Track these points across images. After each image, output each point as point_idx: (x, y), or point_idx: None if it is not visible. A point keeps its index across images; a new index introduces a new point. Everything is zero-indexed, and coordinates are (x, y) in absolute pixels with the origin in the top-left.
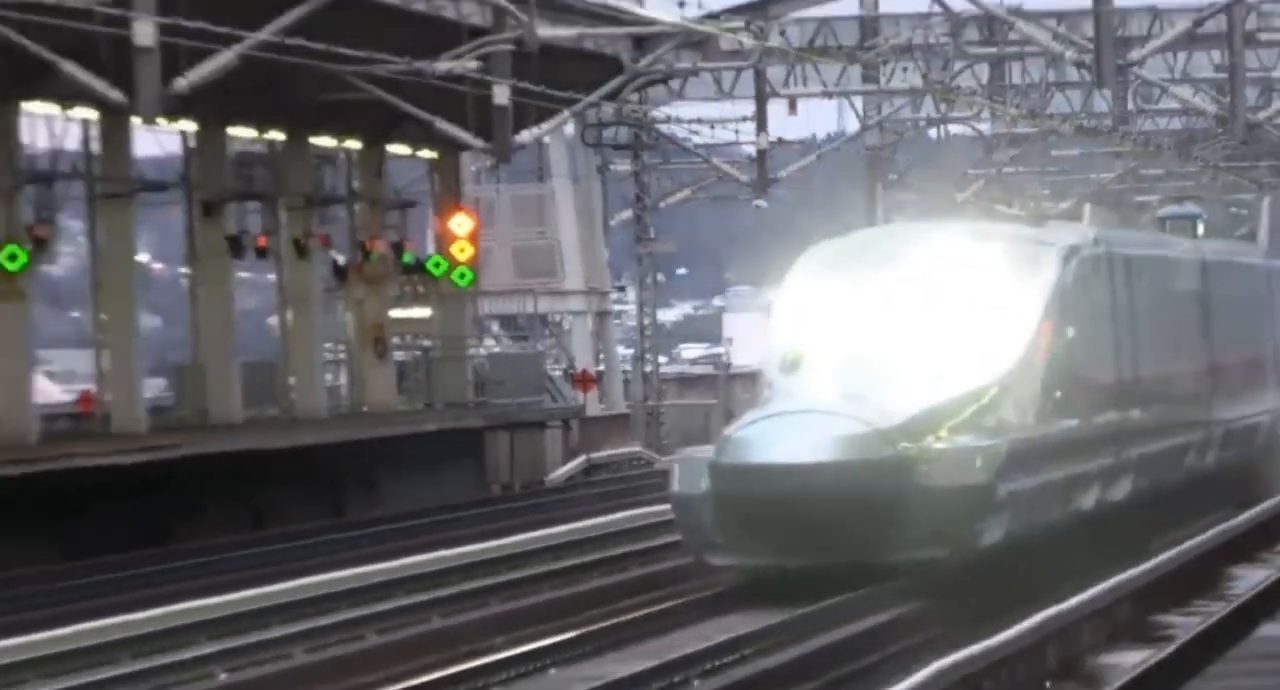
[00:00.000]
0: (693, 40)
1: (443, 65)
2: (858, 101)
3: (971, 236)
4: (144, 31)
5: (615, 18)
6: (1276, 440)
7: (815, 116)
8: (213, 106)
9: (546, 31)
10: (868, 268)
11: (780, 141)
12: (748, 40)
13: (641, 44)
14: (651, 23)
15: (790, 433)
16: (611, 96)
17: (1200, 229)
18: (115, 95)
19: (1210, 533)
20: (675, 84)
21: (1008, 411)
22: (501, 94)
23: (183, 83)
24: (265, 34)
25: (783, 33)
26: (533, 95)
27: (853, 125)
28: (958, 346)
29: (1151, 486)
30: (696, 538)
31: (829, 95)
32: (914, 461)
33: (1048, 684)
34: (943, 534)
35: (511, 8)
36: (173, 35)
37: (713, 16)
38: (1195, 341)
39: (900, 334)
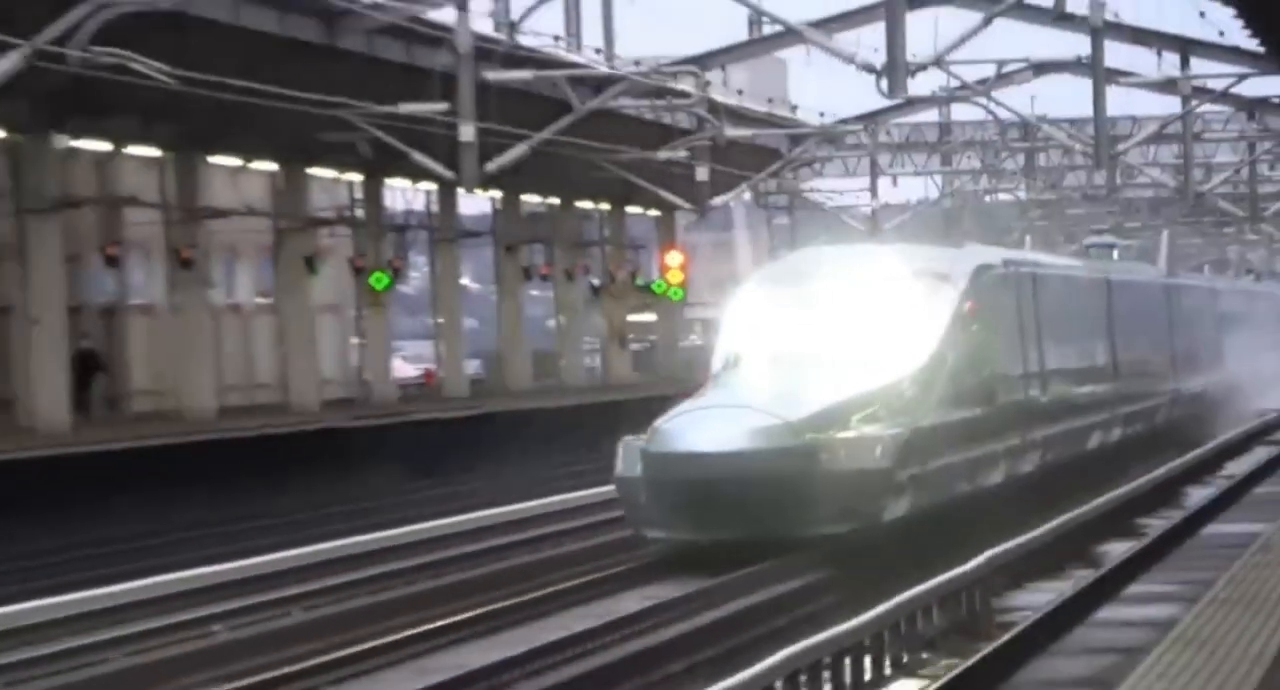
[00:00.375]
0: (829, 137)
1: (663, 154)
2: (938, 178)
3: (894, 257)
4: (467, 131)
5: (777, 123)
6: (1174, 418)
7: (910, 187)
8: (511, 181)
9: (731, 132)
10: (803, 282)
11: (886, 205)
12: (865, 138)
13: (795, 140)
14: (802, 125)
15: (707, 425)
16: (774, 174)
17: (1116, 255)
18: (448, 174)
19: (1171, 464)
20: (817, 165)
21: (912, 404)
22: (702, 173)
23: (492, 166)
24: (546, 134)
25: (888, 133)
26: (722, 173)
27: (934, 194)
28: (871, 349)
29: (1058, 460)
30: (635, 514)
31: (918, 174)
32: (819, 449)
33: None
34: (848, 512)
35: (709, 117)
36: (485, 134)
37: (843, 122)
38: (1100, 342)
39: (824, 338)
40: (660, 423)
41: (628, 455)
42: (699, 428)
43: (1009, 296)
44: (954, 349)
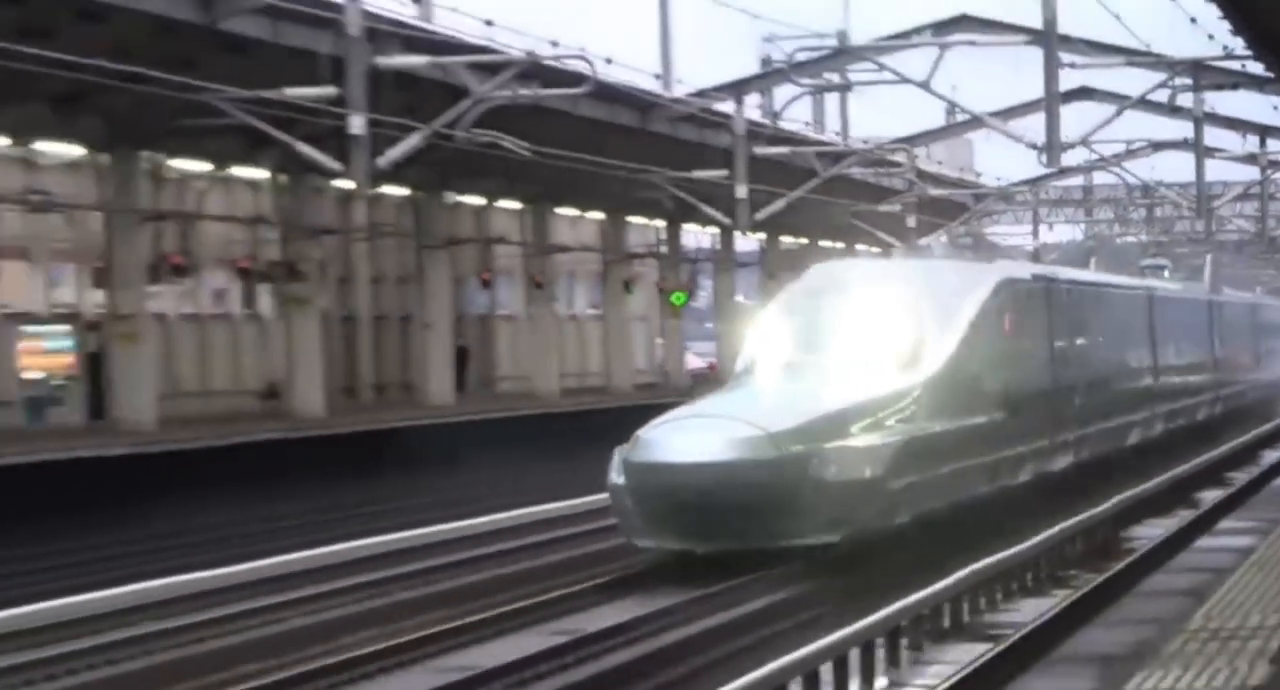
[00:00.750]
0: (1003, 196)
1: (882, 207)
2: (1082, 225)
3: (911, 271)
4: (741, 190)
5: (965, 185)
6: (1217, 414)
7: (1061, 231)
8: (774, 226)
9: (932, 192)
10: (822, 294)
11: (1044, 244)
12: (1029, 196)
13: (978, 197)
14: (983, 187)
15: (686, 435)
16: (963, 222)
17: (1166, 274)
18: (727, 221)
19: (1250, 435)
20: (994, 215)
21: (914, 412)
22: (911, 221)
23: (760, 215)
24: (799, 192)
25: (1046, 192)
26: (925, 221)
27: (1079, 236)
28: (877, 359)
29: (1095, 455)
30: (624, 522)
31: (1068, 222)
32: (805, 460)
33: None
34: (836, 522)
35: (916, 180)
36: (754, 193)
37: (1013, 185)
38: (1141, 349)
39: (833, 349)
40: (642, 431)
41: (618, 463)
42: (677, 437)
43: (1039, 308)
44: (967, 357)
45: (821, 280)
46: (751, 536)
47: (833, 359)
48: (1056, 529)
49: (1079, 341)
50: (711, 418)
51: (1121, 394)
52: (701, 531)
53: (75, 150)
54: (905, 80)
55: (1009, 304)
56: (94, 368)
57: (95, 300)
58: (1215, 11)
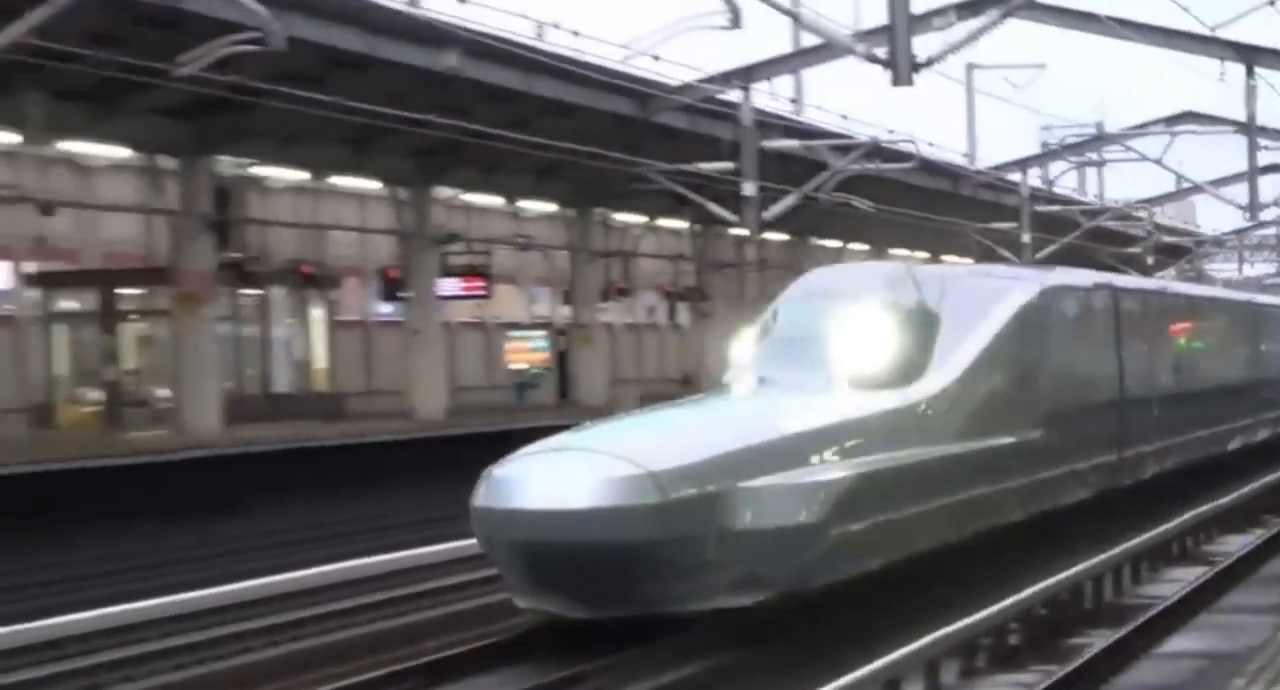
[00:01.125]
0: (1217, 241)
1: (1129, 250)
2: (1275, 264)
3: (941, 276)
4: (1026, 237)
5: (1188, 234)
6: None
7: (1260, 267)
8: (1050, 264)
9: (1164, 239)
10: (817, 300)
11: (1247, 278)
12: (1235, 242)
13: (1198, 243)
14: (1201, 235)
15: (541, 474)
16: (1188, 261)
17: None
18: (1015, 259)
19: None
20: (1210, 255)
21: (903, 438)
22: (1149, 259)
23: (1039, 255)
24: (1069, 238)
25: (1248, 239)
26: (1161, 259)
27: (1272, 269)
28: (862, 376)
29: (1185, 465)
30: (502, 577)
31: (1265, 260)
32: (699, 505)
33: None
34: (752, 580)
35: (1154, 231)
36: (1035, 238)
37: (1225, 233)
38: (1243, 358)
39: (809, 363)
40: (494, 467)
41: None
42: (531, 476)
43: (1100, 316)
44: (988, 370)
45: (812, 287)
46: (637, 602)
47: (799, 377)
48: (1254, 486)
49: (1159, 350)
50: (580, 451)
51: (1217, 402)
52: (575, 595)
53: (549, 206)
54: (1144, 158)
55: (1054, 312)
56: (562, 361)
57: (563, 313)
58: None
